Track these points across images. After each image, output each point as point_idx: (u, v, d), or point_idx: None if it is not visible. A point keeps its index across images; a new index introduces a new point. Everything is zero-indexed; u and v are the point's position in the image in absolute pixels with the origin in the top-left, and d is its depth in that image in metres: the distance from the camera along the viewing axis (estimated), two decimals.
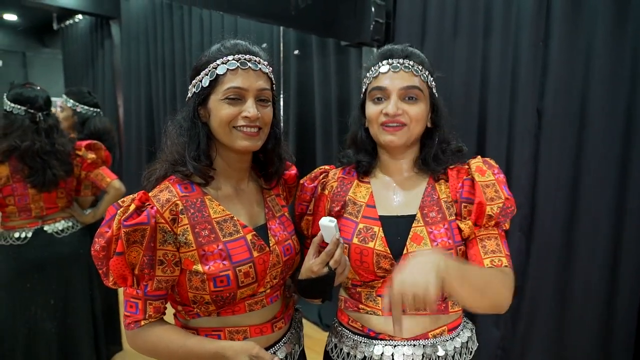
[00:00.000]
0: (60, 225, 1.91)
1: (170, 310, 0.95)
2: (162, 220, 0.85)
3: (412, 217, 0.95)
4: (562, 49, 1.87)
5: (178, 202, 0.87)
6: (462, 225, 0.93)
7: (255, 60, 0.90)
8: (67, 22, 5.92)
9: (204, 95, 0.90)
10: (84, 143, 1.99)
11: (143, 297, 0.86)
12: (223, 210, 0.91)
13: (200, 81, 0.90)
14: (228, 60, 0.88)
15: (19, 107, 1.79)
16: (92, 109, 2.34)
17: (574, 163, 1.89)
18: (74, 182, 1.98)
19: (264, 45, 2.89)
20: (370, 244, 0.94)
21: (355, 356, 0.98)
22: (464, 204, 0.94)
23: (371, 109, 0.97)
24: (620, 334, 1.81)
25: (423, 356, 0.93)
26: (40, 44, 7.10)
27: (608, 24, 1.75)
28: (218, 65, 0.88)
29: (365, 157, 1.03)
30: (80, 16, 5.57)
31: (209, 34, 3.76)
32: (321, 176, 1.09)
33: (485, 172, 0.94)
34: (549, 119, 1.93)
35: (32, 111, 1.80)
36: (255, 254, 0.90)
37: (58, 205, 1.92)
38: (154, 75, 4.52)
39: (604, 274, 1.83)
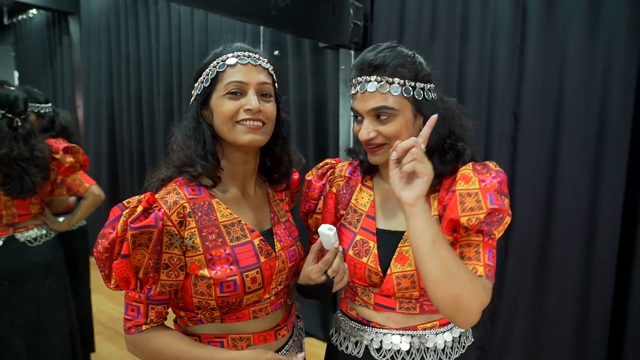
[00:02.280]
0: (32, 233, 1.79)
1: (170, 316, 0.92)
2: (169, 223, 0.81)
3: (400, 235, 0.93)
4: (537, 54, 1.93)
5: (186, 204, 0.84)
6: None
7: (255, 56, 0.90)
8: (20, 17, 5.59)
9: (206, 94, 0.89)
10: (62, 146, 1.86)
11: (145, 301, 0.84)
12: (230, 213, 0.89)
13: (202, 82, 0.89)
14: (227, 57, 0.88)
15: None
16: (46, 105, 2.19)
17: (550, 164, 1.95)
18: (49, 187, 1.85)
19: (276, 52, 2.83)
20: (364, 259, 0.93)
21: (349, 341, 1.00)
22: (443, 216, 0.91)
23: (356, 128, 0.94)
24: (595, 331, 1.88)
25: (411, 346, 0.94)
26: None
27: (581, 29, 1.82)
28: (218, 63, 0.88)
29: (367, 160, 0.99)
30: (34, 11, 5.27)
31: (177, 31, 3.63)
32: (328, 173, 1.07)
33: (470, 179, 0.86)
34: (526, 121, 1.99)
35: (9, 116, 1.66)
36: (263, 259, 0.88)
37: (31, 212, 1.79)
38: (116, 75, 4.32)
39: (579, 272, 1.90)
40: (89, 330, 2.42)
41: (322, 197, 1.05)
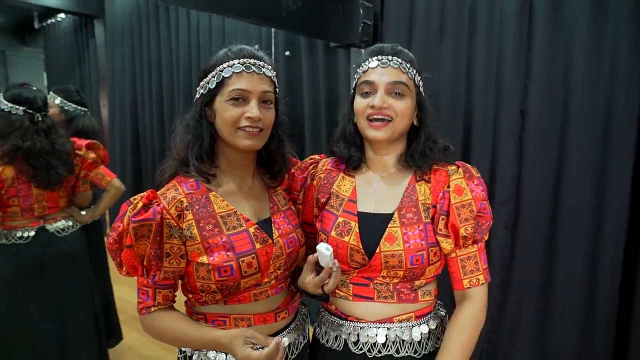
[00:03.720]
0: (60, 224, 1.93)
1: (181, 299, 1.01)
2: (168, 216, 0.90)
3: (388, 216, 1.00)
4: (544, 51, 1.94)
5: (183, 199, 0.93)
6: (444, 244, 0.98)
7: (260, 64, 0.95)
8: (49, 21, 5.84)
9: (211, 96, 0.95)
10: (84, 143, 2.01)
11: (152, 285, 0.94)
12: (227, 205, 0.97)
13: (208, 83, 0.95)
14: (234, 64, 0.93)
15: (17, 107, 1.79)
16: (80, 107, 2.33)
17: (557, 161, 1.97)
18: (73, 181, 1.99)
19: (287, 53, 2.92)
20: (346, 238, 1.00)
21: (330, 335, 1.06)
22: (442, 216, 0.98)
23: (359, 102, 1.01)
24: (601, 326, 1.89)
25: (386, 338, 0.99)
26: (21, 43, 6.96)
27: (588, 27, 1.83)
28: (224, 68, 0.94)
29: (355, 152, 1.07)
30: (62, 15, 5.50)
31: (196, 34, 3.76)
32: (310, 167, 1.14)
33: (462, 190, 0.97)
34: (532, 118, 2.00)
35: (30, 112, 1.80)
36: (258, 245, 0.95)
37: (59, 205, 1.94)
38: (139, 76, 4.49)
39: (585, 268, 1.91)
40: (113, 316, 2.56)
41: (303, 189, 1.13)
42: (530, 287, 2.08)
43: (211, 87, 0.95)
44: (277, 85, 1.01)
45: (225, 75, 0.93)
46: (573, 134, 1.91)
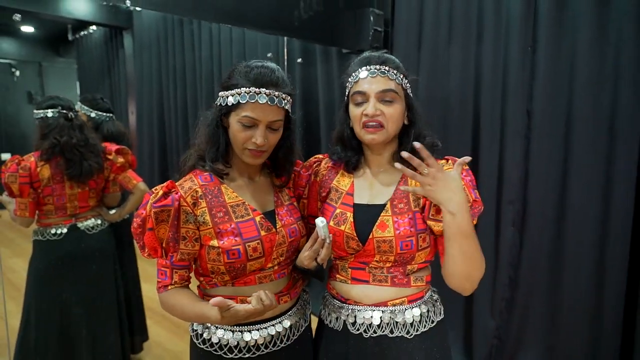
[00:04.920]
0: (90, 222, 2.10)
1: (194, 283, 1.13)
2: (185, 204, 1.03)
3: (381, 207, 1.09)
4: (548, 53, 1.99)
5: (198, 189, 1.06)
6: (435, 227, 1.05)
7: (274, 95, 1.04)
8: (82, 33, 6.15)
9: (227, 110, 1.07)
10: (114, 148, 2.18)
11: (170, 266, 1.05)
12: (236, 196, 1.09)
13: (227, 97, 1.06)
14: (251, 92, 1.03)
15: (52, 110, 1.98)
16: (105, 114, 2.47)
17: (563, 161, 2.01)
18: (103, 183, 2.16)
19: (269, 54, 3.05)
20: (342, 227, 1.09)
21: (332, 317, 1.16)
22: (433, 203, 1.05)
23: (354, 111, 1.10)
24: (609, 321, 1.92)
25: (381, 320, 1.08)
26: (55, 54, 7.34)
27: (591, 29, 1.87)
28: (241, 93, 1.03)
29: (353, 155, 1.17)
30: (94, 27, 5.78)
31: (217, 44, 3.94)
32: (314, 165, 1.25)
33: None
34: (538, 119, 2.05)
35: (64, 111, 2.00)
36: (263, 233, 1.07)
37: (89, 204, 2.10)
38: (165, 84, 4.72)
39: (592, 265, 1.94)
40: (140, 315, 2.65)
41: (307, 185, 1.24)
42: (538, 284, 2.11)
43: (228, 105, 1.05)
44: (289, 111, 1.11)
45: (241, 101, 1.02)
46: (578, 133, 1.94)
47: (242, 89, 1.03)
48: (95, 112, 2.43)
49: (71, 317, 2.01)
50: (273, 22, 2.12)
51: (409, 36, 2.51)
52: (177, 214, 1.01)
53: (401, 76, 1.09)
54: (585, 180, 1.94)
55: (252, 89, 1.03)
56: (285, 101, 1.07)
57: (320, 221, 1.04)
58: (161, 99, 4.82)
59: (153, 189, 1.04)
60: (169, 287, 1.07)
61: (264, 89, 1.03)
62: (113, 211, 2.26)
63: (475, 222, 1.05)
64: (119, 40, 5.35)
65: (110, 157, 2.14)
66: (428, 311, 1.11)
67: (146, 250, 1.03)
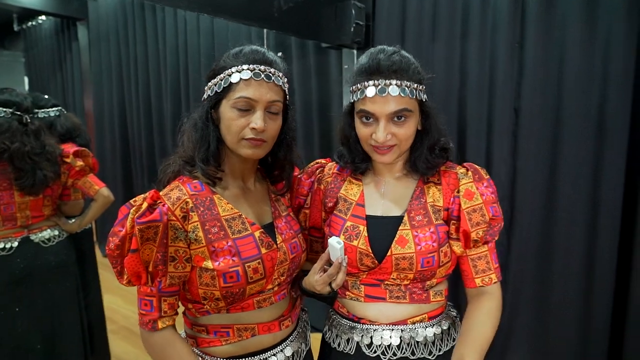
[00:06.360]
0: (46, 234, 1.85)
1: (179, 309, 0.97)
2: (174, 218, 0.86)
3: (398, 219, 0.98)
4: (537, 50, 1.95)
5: (188, 200, 0.89)
6: (454, 247, 0.97)
7: (270, 72, 0.91)
8: (30, 24, 5.71)
9: (217, 99, 0.92)
10: (72, 150, 1.93)
11: (157, 294, 0.88)
12: (232, 208, 0.93)
13: (215, 85, 0.91)
14: (242, 69, 0.89)
15: (4, 109, 1.72)
16: (52, 109, 2.24)
17: (551, 159, 1.98)
18: (60, 190, 1.92)
19: (279, 53, 2.89)
20: (355, 242, 0.97)
21: (341, 339, 1.03)
22: (452, 221, 0.98)
23: (361, 130, 0.97)
24: (598, 322, 1.91)
25: (401, 340, 0.97)
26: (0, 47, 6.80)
27: (579, 26, 1.84)
28: (232, 73, 0.89)
29: (361, 164, 1.05)
30: (43, 17, 5.38)
31: (183, 34, 3.70)
32: (317, 171, 1.12)
33: (473, 195, 0.96)
34: (526, 117, 2.01)
35: (19, 113, 1.74)
36: (264, 250, 0.92)
37: (44, 214, 1.86)
38: (126, 78, 4.41)
39: (581, 264, 1.93)
40: (102, 332, 2.44)
41: (310, 193, 1.10)
42: (526, 284, 2.09)
43: (218, 91, 0.90)
44: (287, 94, 0.97)
45: (232, 81, 0.89)
46: (566, 131, 1.92)
47: (232, 68, 0.89)
48: (42, 111, 2.18)
49: (27, 345, 1.76)
50: (251, 12, 1.97)
51: (390, 31, 2.41)
52: (166, 231, 0.84)
53: (415, 87, 0.93)
54: (573, 178, 1.92)
55: (245, 66, 0.89)
56: (283, 81, 0.93)
57: (336, 242, 0.90)
58: (122, 95, 4.50)
59: (131, 201, 0.86)
60: (159, 324, 0.88)
61: (257, 65, 0.89)
62: (73, 220, 2.03)
63: (497, 237, 1.00)
64: (72, 32, 4.97)
65: (67, 160, 1.88)
66: (449, 328, 1.02)
67: (126, 277, 0.85)
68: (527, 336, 2.12)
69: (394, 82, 0.91)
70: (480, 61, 2.13)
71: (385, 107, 0.91)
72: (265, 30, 2.97)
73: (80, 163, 1.93)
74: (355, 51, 2.51)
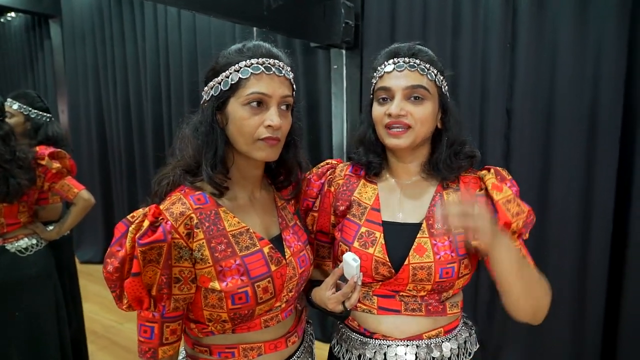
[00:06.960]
0: (23, 243, 1.74)
1: None
2: (177, 236, 0.79)
3: (416, 226, 0.93)
4: (528, 51, 1.95)
5: (192, 215, 0.81)
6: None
7: (279, 65, 0.85)
8: None
9: (224, 98, 0.84)
10: (47, 151, 1.81)
11: (160, 319, 0.81)
12: (238, 222, 0.86)
13: (219, 84, 0.84)
14: (252, 64, 0.82)
15: None
16: (45, 114, 2.14)
17: (543, 160, 1.98)
18: (36, 195, 1.80)
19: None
20: (370, 250, 0.92)
21: (352, 354, 0.99)
22: None
23: (376, 110, 0.95)
24: (592, 323, 1.92)
25: (416, 356, 0.93)
26: None
27: (571, 27, 1.85)
28: (241, 68, 0.82)
29: (375, 159, 1.00)
30: (13, 14, 5.14)
31: (164, 32, 3.58)
32: (328, 172, 1.07)
33: (501, 188, 0.91)
34: (518, 118, 2.01)
35: None
36: (273, 267, 0.85)
37: (20, 221, 1.74)
38: (103, 78, 4.24)
39: (574, 265, 1.94)
40: (83, 343, 2.34)
41: (319, 196, 1.05)
42: None
43: (224, 89, 0.83)
44: (294, 89, 0.92)
45: (242, 77, 0.82)
46: (559, 132, 1.93)
47: (240, 63, 0.82)
48: (35, 111, 2.06)
49: (5, 358, 1.65)
50: (240, 10, 1.89)
51: (380, 31, 2.38)
52: (170, 251, 0.77)
53: (435, 72, 0.93)
54: (565, 179, 1.93)
55: (254, 60, 0.82)
56: (291, 73, 0.88)
57: (352, 259, 0.85)
58: (99, 96, 4.32)
59: (129, 217, 0.78)
60: (159, 353, 0.81)
61: (266, 59, 0.83)
62: (51, 227, 1.91)
63: (527, 236, 0.94)
64: (44, 30, 4.75)
65: (42, 162, 1.76)
66: (465, 342, 0.98)
67: (126, 302, 0.77)
68: (522, 336, 2.12)
69: (412, 60, 0.93)
70: (471, 62, 2.12)
71: (401, 81, 0.91)
72: (255, 29, 2.90)
73: (56, 165, 1.81)
74: (344, 51, 2.46)
